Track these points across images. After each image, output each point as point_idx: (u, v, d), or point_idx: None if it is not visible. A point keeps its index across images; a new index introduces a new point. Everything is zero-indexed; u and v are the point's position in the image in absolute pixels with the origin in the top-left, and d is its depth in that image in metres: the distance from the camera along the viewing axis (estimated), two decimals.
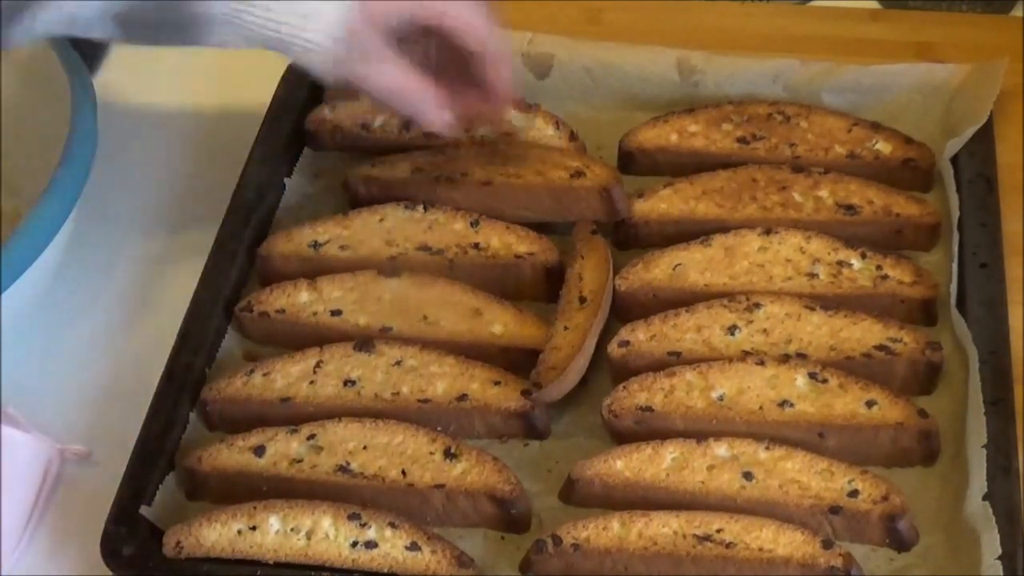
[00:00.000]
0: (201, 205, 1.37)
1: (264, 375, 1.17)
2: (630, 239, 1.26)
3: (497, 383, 1.14)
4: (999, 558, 0.99)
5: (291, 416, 1.14)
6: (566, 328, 1.16)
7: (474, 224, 1.24)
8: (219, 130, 1.46)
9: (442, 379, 1.14)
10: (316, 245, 1.25)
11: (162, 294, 1.31)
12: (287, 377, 1.16)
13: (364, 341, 1.16)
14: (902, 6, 1.49)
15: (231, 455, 1.12)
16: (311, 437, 1.11)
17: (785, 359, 1.12)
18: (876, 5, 1.50)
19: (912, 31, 1.45)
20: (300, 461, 1.10)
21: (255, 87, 1.43)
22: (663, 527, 1.04)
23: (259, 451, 1.11)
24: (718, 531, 1.03)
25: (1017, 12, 1.48)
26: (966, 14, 1.48)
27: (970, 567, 1.01)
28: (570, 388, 1.13)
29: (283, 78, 1.40)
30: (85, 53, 1.33)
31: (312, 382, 1.15)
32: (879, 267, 1.17)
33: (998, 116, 1.28)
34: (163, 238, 1.37)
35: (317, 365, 1.16)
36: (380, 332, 1.18)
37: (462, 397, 1.13)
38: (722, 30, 1.47)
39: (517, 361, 1.16)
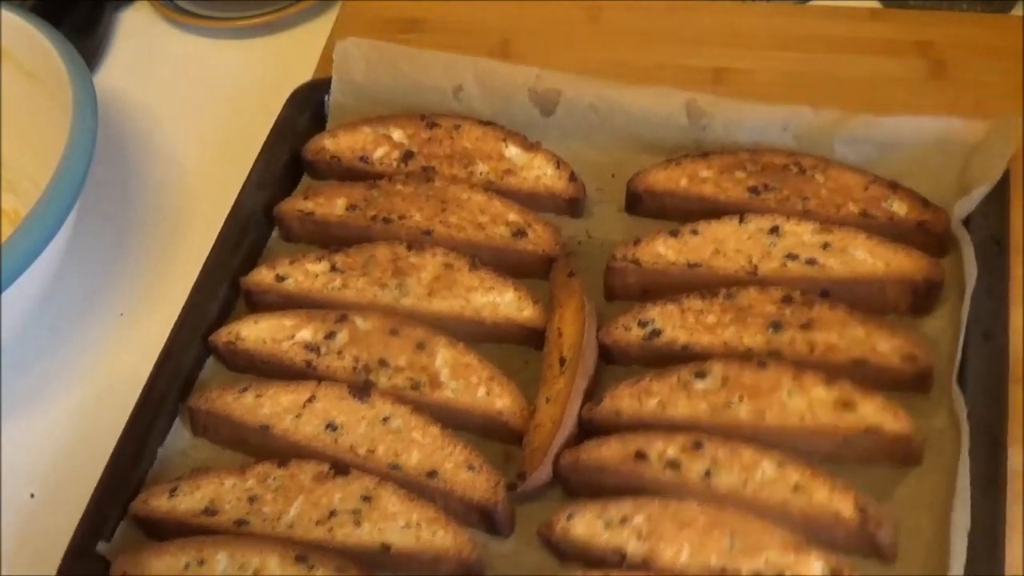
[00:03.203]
0: (201, 204, 1.35)
1: (256, 396, 1.13)
2: (618, 289, 1.19)
3: (471, 468, 1.08)
4: None
5: (265, 446, 1.10)
6: (548, 400, 1.10)
7: (472, 268, 1.19)
8: (219, 129, 1.44)
9: (420, 449, 1.08)
10: (299, 280, 1.21)
11: (161, 294, 1.29)
12: (276, 405, 1.12)
13: (362, 387, 1.12)
14: (902, 5, 1.45)
15: (178, 504, 1.08)
16: (252, 500, 1.07)
17: (762, 432, 1.06)
18: (876, 4, 1.46)
19: (912, 30, 1.41)
20: (246, 522, 1.06)
21: (255, 87, 1.43)
22: None
23: (209, 512, 1.07)
24: None
25: (1017, 12, 1.43)
26: (966, 13, 1.43)
27: None
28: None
29: (287, 102, 1.36)
30: (85, 53, 1.31)
31: (298, 416, 1.11)
32: (873, 333, 1.10)
33: (1016, 175, 1.20)
34: (163, 238, 1.36)
35: (309, 399, 1.12)
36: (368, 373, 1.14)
37: (432, 473, 1.07)
38: (722, 29, 1.43)
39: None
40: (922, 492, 1.05)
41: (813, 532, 1.01)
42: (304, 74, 1.41)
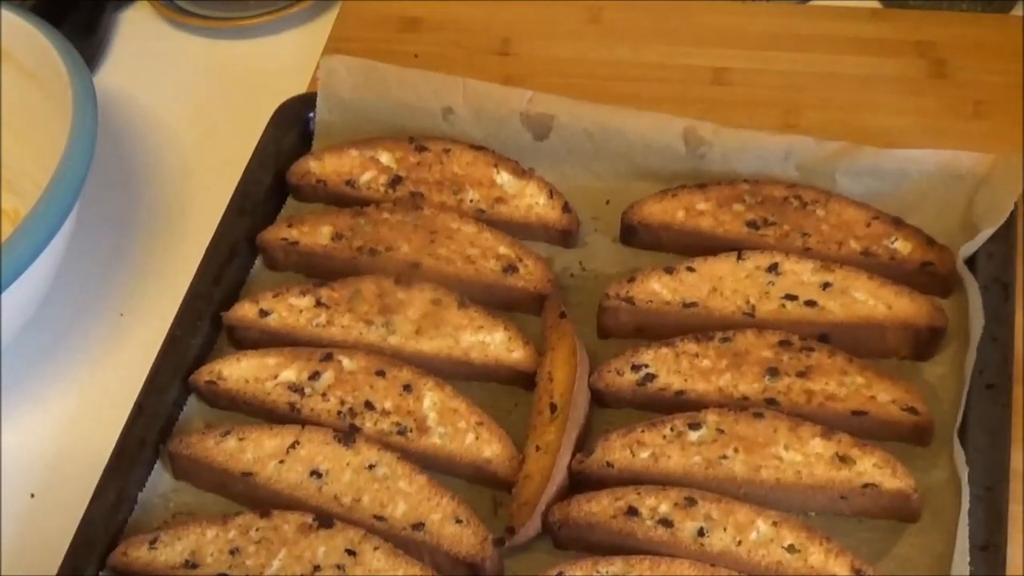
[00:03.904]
0: (201, 204, 1.30)
1: (239, 440, 1.04)
2: (611, 327, 1.11)
3: (459, 521, 0.99)
4: None
5: (248, 493, 1.02)
6: (538, 449, 1.01)
7: (461, 306, 1.10)
8: (219, 129, 1.38)
9: (406, 499, 1.00)
10: (283, 316, 1.12)
11: (161, 294, 1.22)
12: (259, 450, 1.03)
13: (347, 433, 1.03)
14: (902, 5, 1.39)
15: (157, 556, 1.00)
16: (234, 552, 0.99)
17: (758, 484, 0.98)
18: (877, 4, 1.40)
19: (913, 30, 1.36)
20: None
21: (255, 86, 1.39)
22: None
23: (190, 565, 0.99)
24: None
25: (1017, 12, 1.38)
26: (967, 13, 1.38)
27: None
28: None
29: (271, 120, 1.28)
30: (85, 53, 1.27)
31: (281, 462, 1.02)
32: (874, 383, 1.02)
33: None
34: (163, 238, 1.30)
35: (293, 445, 1.03)
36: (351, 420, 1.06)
37: (418, 525, 0.98)
38: (722, 29, 1.38)
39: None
40: (921, 550, 0.96)
41: None
42: (304, 74, 1.35)
